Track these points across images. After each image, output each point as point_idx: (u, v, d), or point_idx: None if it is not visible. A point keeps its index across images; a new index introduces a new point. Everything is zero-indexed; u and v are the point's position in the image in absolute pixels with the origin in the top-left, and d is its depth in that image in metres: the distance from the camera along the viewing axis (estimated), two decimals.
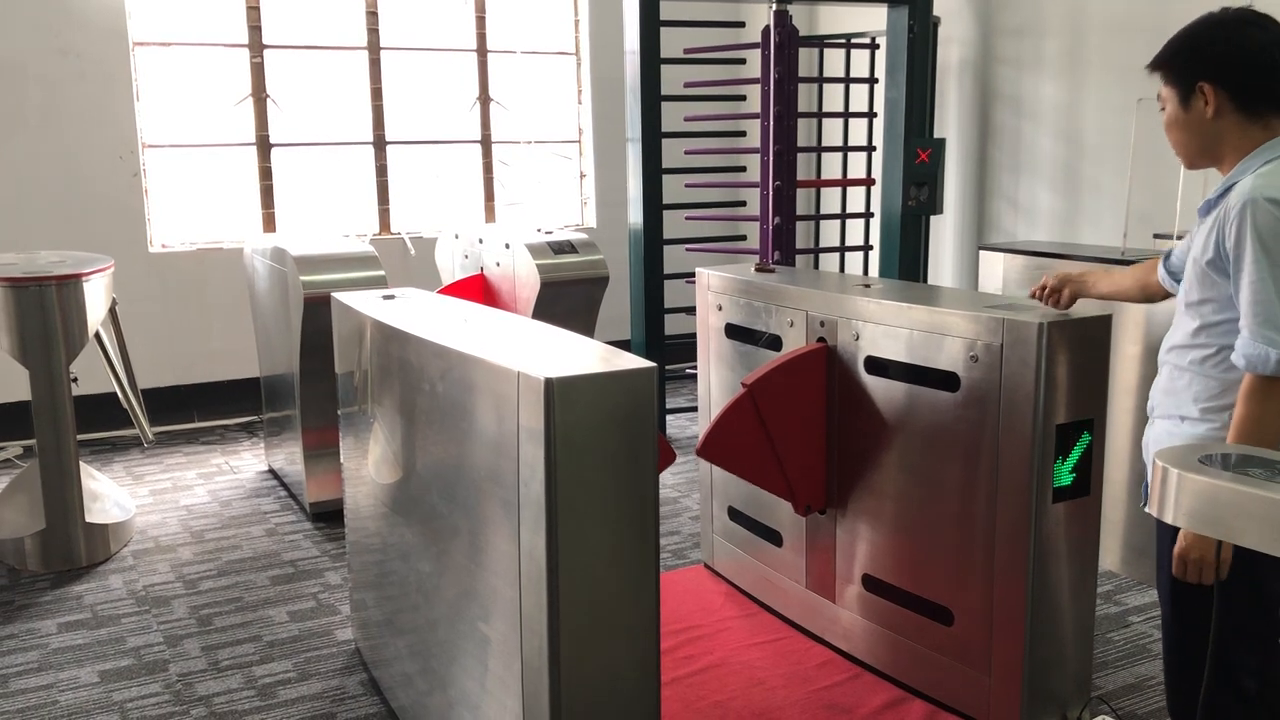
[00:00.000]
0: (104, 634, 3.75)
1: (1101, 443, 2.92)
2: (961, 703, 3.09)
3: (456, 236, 5.84)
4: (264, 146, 6.57)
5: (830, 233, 7.20)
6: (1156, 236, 4.81)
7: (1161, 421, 2.37)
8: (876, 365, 3.25)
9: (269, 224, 6.63)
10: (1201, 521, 1.35)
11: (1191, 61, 2.23)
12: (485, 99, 7.21)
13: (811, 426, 3.44)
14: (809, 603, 3.63)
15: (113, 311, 4.83)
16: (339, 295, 3.44)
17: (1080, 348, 2.82)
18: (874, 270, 6.42)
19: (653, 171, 5.73)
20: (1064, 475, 2.85)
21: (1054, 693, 2.99)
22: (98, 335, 4.68)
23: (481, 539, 2.43)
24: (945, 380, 3.01)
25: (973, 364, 2.92)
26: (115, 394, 4.93)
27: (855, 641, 3.45)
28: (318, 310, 4.31)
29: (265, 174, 6.59)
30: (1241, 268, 2.10)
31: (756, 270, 3.95)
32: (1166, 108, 2.30)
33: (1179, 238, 4.36)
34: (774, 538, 3.77)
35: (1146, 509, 1.59)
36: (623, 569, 2.23)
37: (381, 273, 4.71)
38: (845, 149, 6.51)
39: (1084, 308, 2.88)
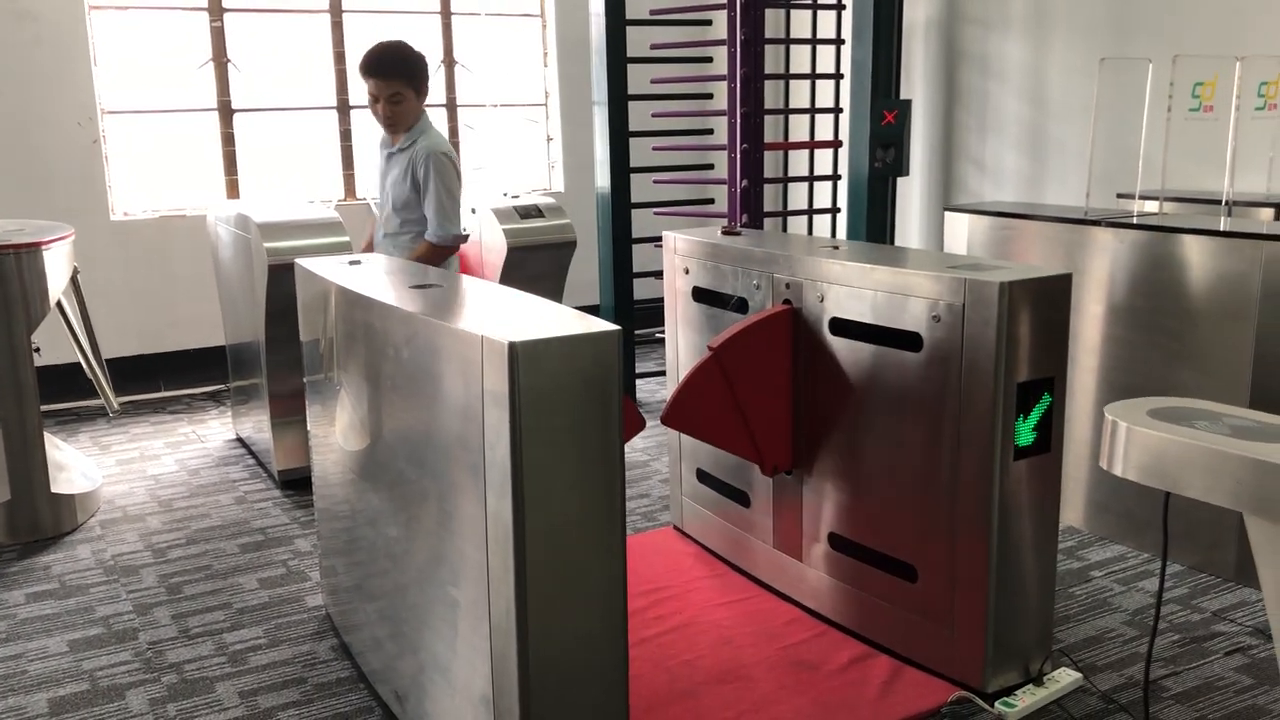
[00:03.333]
0: (73, 603, 3.74)
1: (1063, 400, 2.96)
2: (926, 657, 3.14)
3: None
4: (226, 112, 6.48)
5: (798, 195, 7.20)
6: (1120, 196, 4.85)
7: None
8: (841, 326, 3.27)
9: (232, 190, 6.55)
10: (1151, 474, 1.38)
11: (413, 76, 4.18)
12: (450, 62, 7.14)
13: (778, 388, 3.46)
14: (776, 562, 3.67)
15: (74, 280, 4.77)
16: (303, 261, 3.42)
17: (1041, 306, 2.85)
18: (841, 232, 6.43)
19: (619, 135, 5.71)
20: (1026, 434, 2.89)
21: (1016, 646, 3.04)
22: (60, 305, 4.63)
23: (449, 503, 2.44)
24: (908, 340, 3.04)
25: (935, 324, 2.94)
26: (79, 364, 4.88)
27: (822, 599, 3.49)
28: (282, 277, 4.27)
29: (228, 140, 6.51)
30: (428, 189, 4.14)
31: (723, 233, 3.96)
32: (402, 97, 4.13)
33: (1141, 197, 4.40)
34: (742, 499, 3.81)
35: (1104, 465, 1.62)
36: (590, 530, 2.24)
37: (346, 239, 4.68)
38: (812, 111, 6.50)
39: (1043, 267, 2.90)
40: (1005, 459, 2.87)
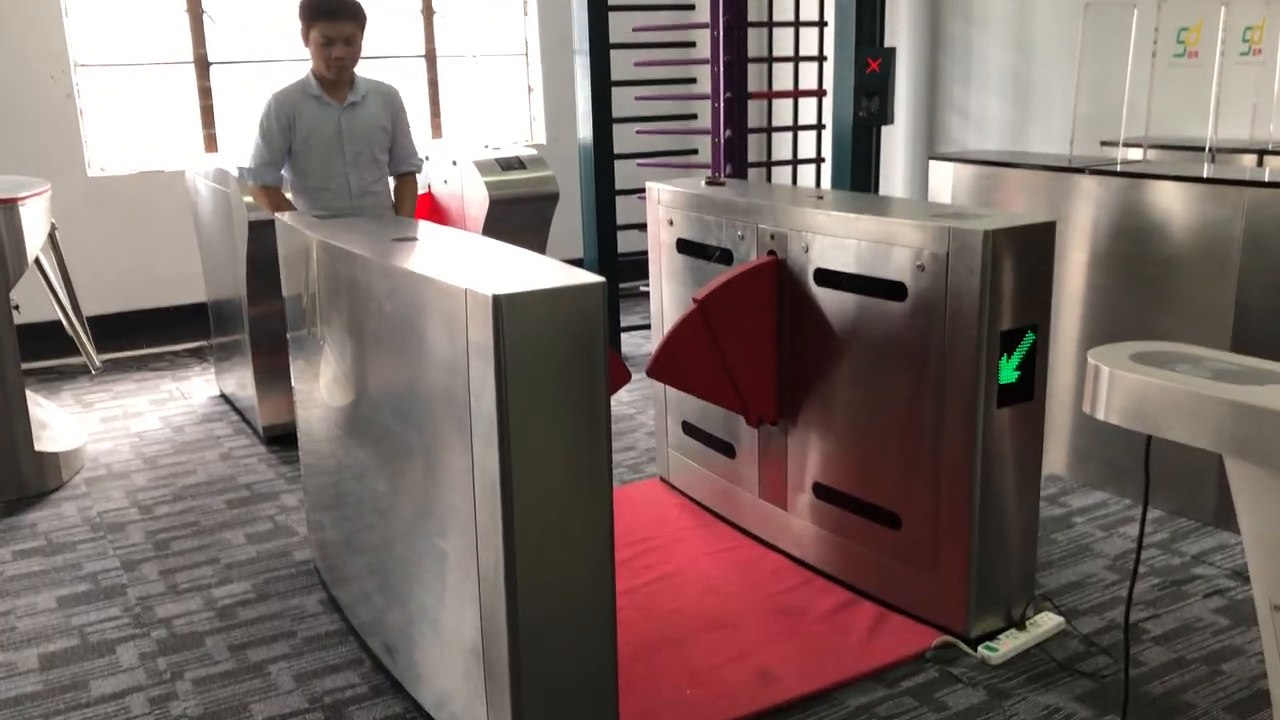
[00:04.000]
0: (60, 560, 3.74)
1: (1046, 348, 2.98)
2: (910, 604, 3.18)
3: None
4: (202, 65, 6.39)
5: (782, 145, 7.16)
6: (1104, 144, 4.84)
7: None
8: (826, 277, 3.27)
9: (210, 145, 6.48)
10: (1133, 418, 1.39)
11: (361, 17, 4.03)
12: (429, 11, 7.04)
13: (763, 339, 3.46)
14: (762, 512, 3.69)
15: (52, 237, 4.73)
16: (283, 216, 3.40)
17: (1024, 255, 2.86)
18: (826, 182, 6.41)
19: (601, 84, 5.65)
20: (1009, 372, 2.90)
21: (999, 592, 3.08)
22: (38, 262, 4.59)
23: (435, 456, 2.44)
24: (893, 290, 3.04)
25: (919, 273, 2.94)
26: (60, 321, 4.85)
27: (807, 548, 3.52)
28: (262, 232, 4.24)
29: (205, 93, 6.42)
30: (406, 126, 4.22)
31: (707, 184, 3.94)
32: (355, 39, 3.99)
33: (1125, 144, 4.40)
34: (727, 449, 3.82)
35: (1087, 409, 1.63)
36: (576, 481, 2.25)
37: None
38: (796, 59, 6.44)
39: (1027, 215, 2.90)
40: (988, 407, 2.89)
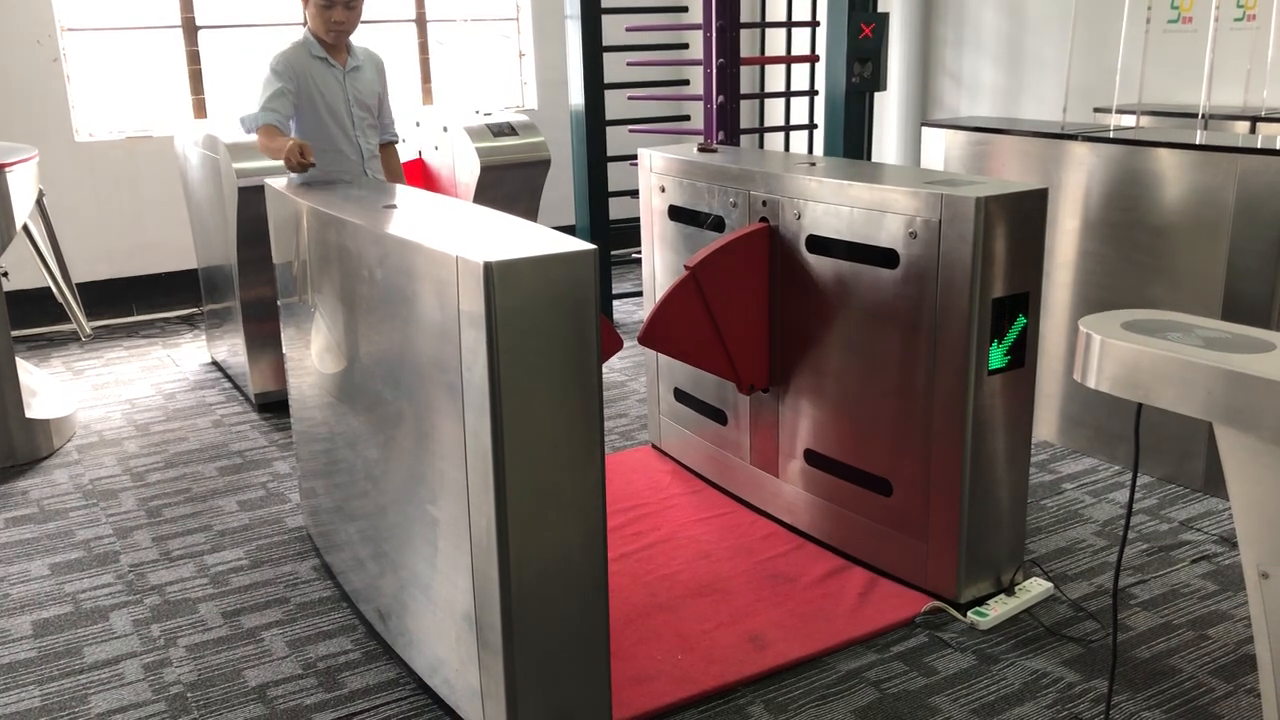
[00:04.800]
0: (52, 528, 3.75)
1: (1037, 316, 2.98)
2: (900, 569, 3.20)
3: None
4: (190, 29, 6.32)
5: (775, 111, 7.13)
6: (1097, 110, 4.83)
7: None
8: (818, 244, 3.26)
9: (199, 110, 6.42)
10: (1124, 386, 1.40)
11: None
12: None
13: (754, 307, 3.46)
14: (753, 478, 3.71)
15: (40, 203, 4.69)
16: (273, 182, 3.37)
17: (1017, 222, 2.85)
18: (818, 149, 6.39)
19: (593, 49, 5.61)
20: (999, 358, 2.91)
21: (989, 558, 3.10)
22: (26, 228, 4.55)
23: (427, 424, 2.44)
24: (885, 257, 3.04)
25: (912, 240, 2.94)
26: (49, 288, 4.82)
27: (798, 514, 3.54)
28: (252, 198, 4.22)
29: (193, 58, 6.36)
30: (388, 94, 4.08)
31: (699, 150, 3.92)
32: (356, 4, 3.79)
33: (1118, 111, 4.39)
34: (719, 416, 3.83)
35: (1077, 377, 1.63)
36: (567, 448, 2.25)
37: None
38: (789, 25, 6.40)
39: (1020, 182, 2.90)
40: (980, 374, 2.89)
